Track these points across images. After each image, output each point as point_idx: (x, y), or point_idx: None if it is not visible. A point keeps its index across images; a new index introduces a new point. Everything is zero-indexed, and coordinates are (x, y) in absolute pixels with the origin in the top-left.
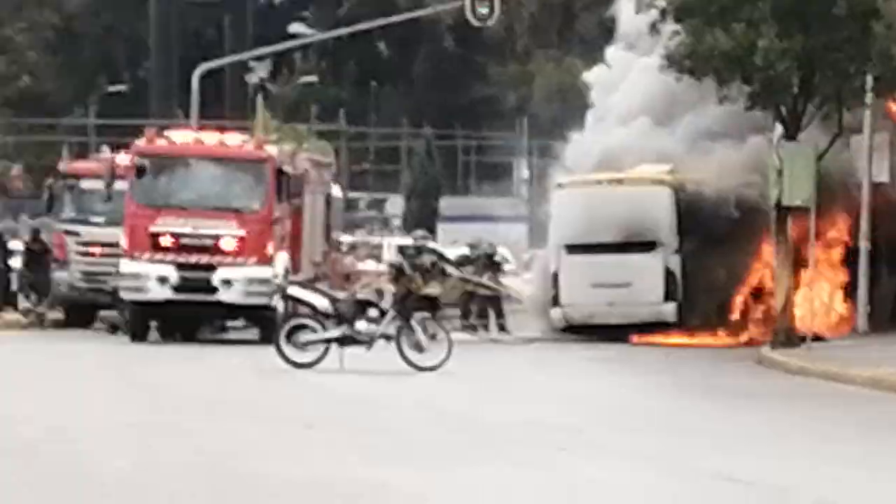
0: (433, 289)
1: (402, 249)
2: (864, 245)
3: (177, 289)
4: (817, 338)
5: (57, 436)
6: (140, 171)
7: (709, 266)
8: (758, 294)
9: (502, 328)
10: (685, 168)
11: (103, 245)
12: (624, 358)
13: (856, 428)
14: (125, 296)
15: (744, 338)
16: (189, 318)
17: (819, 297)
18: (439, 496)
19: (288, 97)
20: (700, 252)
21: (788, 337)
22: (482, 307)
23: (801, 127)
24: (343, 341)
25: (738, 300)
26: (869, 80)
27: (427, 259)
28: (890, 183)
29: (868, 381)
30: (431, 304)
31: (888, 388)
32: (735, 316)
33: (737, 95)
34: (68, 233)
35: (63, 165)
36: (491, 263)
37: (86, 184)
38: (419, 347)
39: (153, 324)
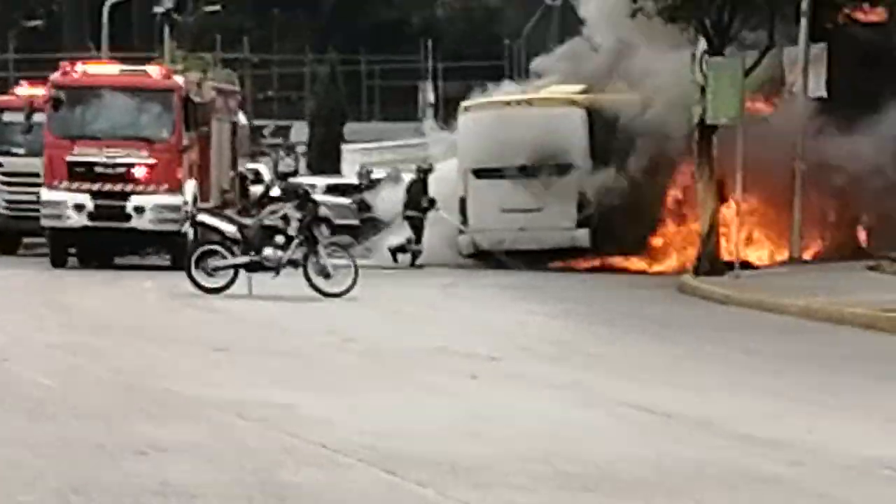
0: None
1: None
2: (798, 166)
3: (92, 216)
4: (746, 265)
5: None
6: (56, 104)
7: (626, 190)
8: (679, 219)
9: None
10: (601, 88)
11: (25, 175)
12: (536, 285)
13: (782, 359)
14: (45, 223)
15: (664, 265)
16: (105, 244)
17: (750, 223)
18: (347, 421)
19: (193, 27)
20: (616, 175)
21: (712, 264)
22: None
23: (727, 40)
24: (251, 267)
25: (658, 225)
26: None
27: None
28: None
29: (800, 310)
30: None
31: (823, 319)
32: (655, 242)
33: (653, 7)
34: None
35: None
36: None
37: (7, 116)
38: (325, 273)
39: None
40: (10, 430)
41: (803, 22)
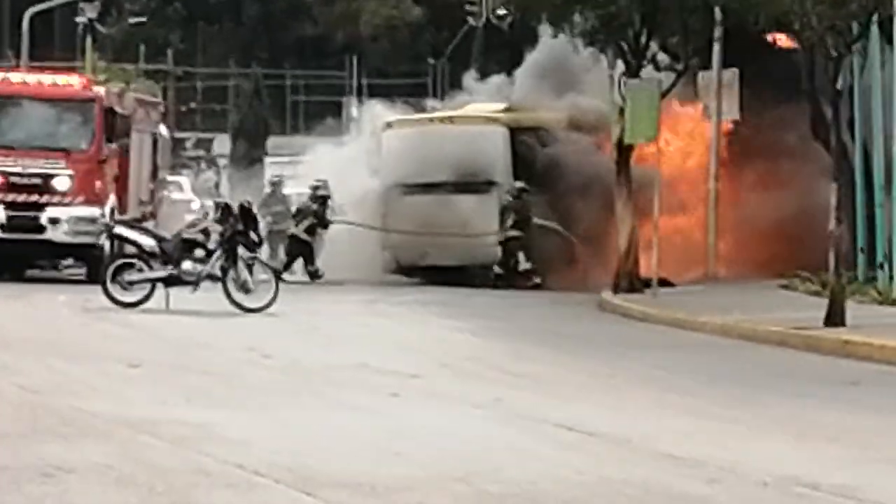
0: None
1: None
2: (712, 186)
3: (5, 227)
4: (665, 283)
5: None
6: None
7: (548, 207)
8: (599, 237)
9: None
10: (524, 106)
11: None
12: (457, 302)
13: (699, 377)
14: None
15: (583, 282)
16: (18, 256)
17: (670, 241)
18: (264, 440)
19: (116, 38)
20: (538, 193)
21: (631, 282)
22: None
23: (644, 63)
24: (169, 281)
25: (579, 243)
26: (717, 12)
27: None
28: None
29: (716, 328)
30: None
31: (738, 336)
32: (575, 259)
33: (570, 34)
34: None
35: None
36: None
37: None
38: (245, 288)
39: None
40: None
41: (716, 47)
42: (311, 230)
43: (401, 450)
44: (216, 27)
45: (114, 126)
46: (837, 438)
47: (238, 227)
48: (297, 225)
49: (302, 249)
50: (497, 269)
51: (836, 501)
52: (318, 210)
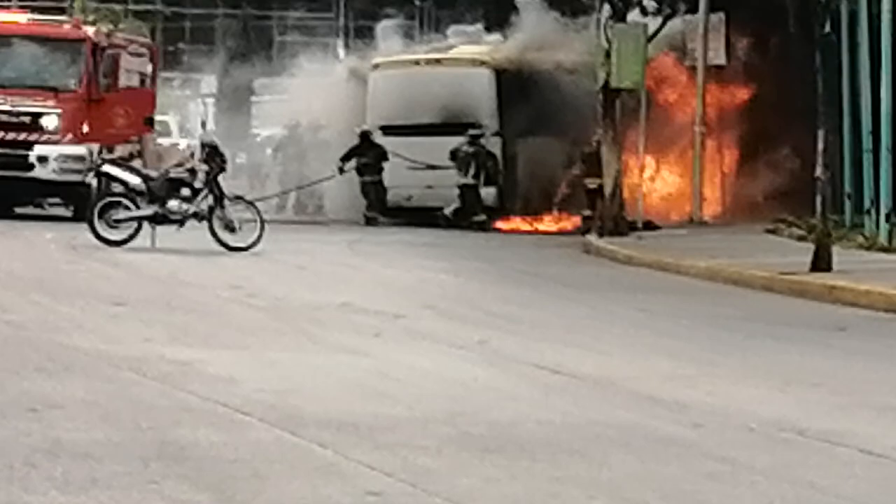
0: None
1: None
2: (698, 130)
3: None
4: (650, 226)
5: None
6: None
7: (533, 150)
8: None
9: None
10: (509, 49)
11: None
12: (442, 242)
13: (685, 320)
14: None
15: (569, 224)
16: (6, 193)
17: (659, 184)
18: (248, 378)
19: None
20: (524, 135)
21: (617, 224)
22: None
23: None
24: (155, 219)
25: (565, 185)
26: None
27: None
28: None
29: (702, 272)
30: None
31: (723, 280)
32: (560, 202)
33: None
34: None
35: None
36: None
37: None
38: (231, 227)
39: None
40: None
41: None
42: (476, 174)
43: (384, 390)
44: None
45: (102, 65)
46: (823, 384)
47: (224, 166)
48: (461, 173)
49: (469, 195)
50: (587, 212)
51: (821, 447)
52: (479, 154)
